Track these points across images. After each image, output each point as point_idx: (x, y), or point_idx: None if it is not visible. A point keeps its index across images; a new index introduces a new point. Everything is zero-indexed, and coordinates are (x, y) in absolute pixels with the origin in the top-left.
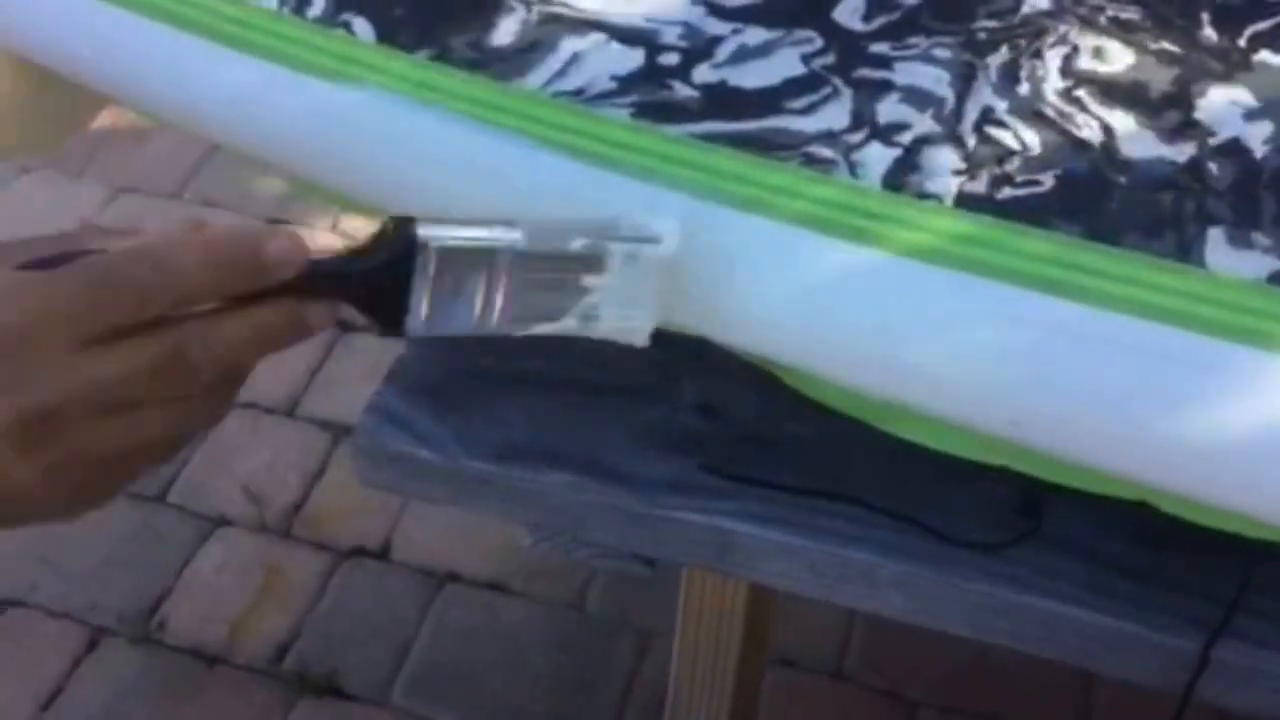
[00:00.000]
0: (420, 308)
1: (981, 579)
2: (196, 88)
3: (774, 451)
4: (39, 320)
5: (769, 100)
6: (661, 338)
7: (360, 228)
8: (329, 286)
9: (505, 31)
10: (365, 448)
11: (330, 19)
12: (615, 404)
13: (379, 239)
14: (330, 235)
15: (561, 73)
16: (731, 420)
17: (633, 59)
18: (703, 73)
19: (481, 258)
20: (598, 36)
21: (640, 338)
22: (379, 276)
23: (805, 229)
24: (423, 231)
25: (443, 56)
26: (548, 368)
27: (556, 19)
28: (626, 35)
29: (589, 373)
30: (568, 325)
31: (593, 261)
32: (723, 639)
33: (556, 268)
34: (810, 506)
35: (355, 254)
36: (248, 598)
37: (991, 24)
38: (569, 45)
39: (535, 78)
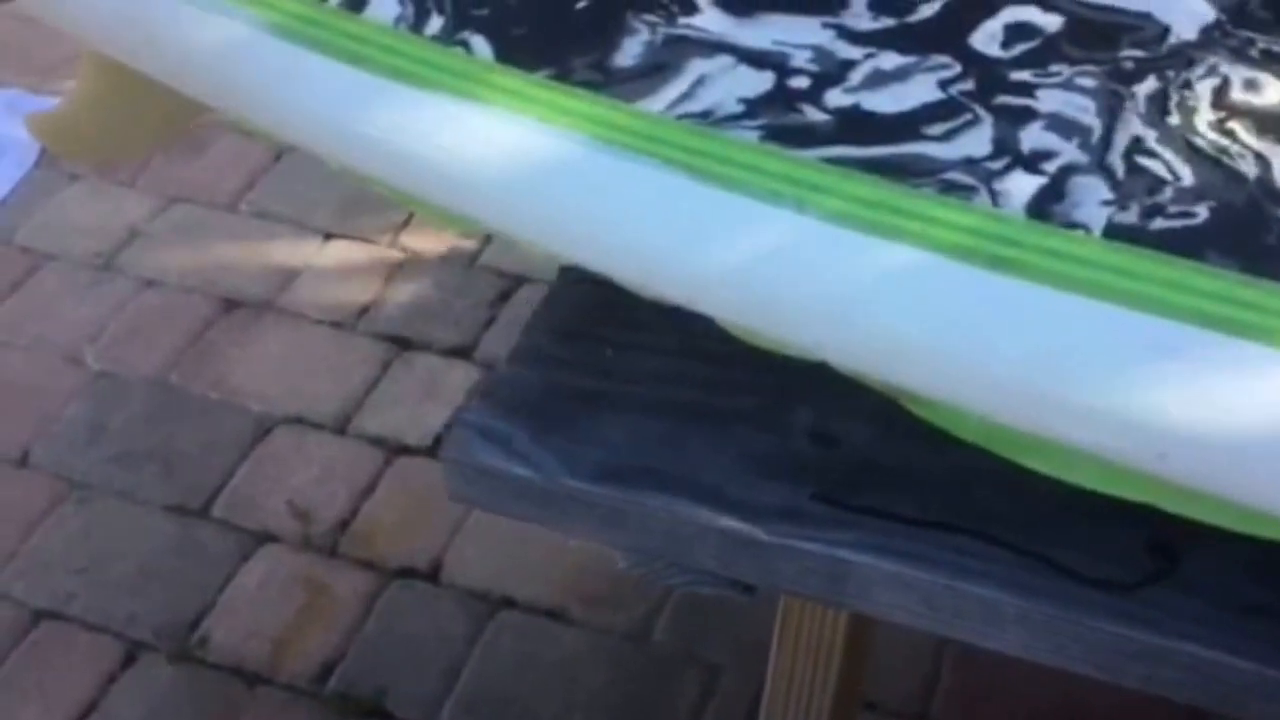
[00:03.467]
0: None
1: (1113, 619)
2: (307, 100)
3: (892, 481)
4: None
5: (905, 126)
6: (777, 363)
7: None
8: None
9: (629, 53)
10: (457, 461)
11: (448, 37)
12: (722, 428)
13: None
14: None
15: (688, 95)
16: (849, 448)
17: (761, 82)
18: (835, 97)
19: None
20: (725, 59)
21: None
22: None
23: (945, 256)
24: None
25: (563, 77)
26: (651, 390)
27: (682, 40)
28: (755, 58)
29: (694, 395)
30: None
31: None
32: (819, 672)
33: None
34: (929, 539)
35: None
36: (291, 616)
37: (1137, 53)
38: (695, 67)
39: (660, 100)
